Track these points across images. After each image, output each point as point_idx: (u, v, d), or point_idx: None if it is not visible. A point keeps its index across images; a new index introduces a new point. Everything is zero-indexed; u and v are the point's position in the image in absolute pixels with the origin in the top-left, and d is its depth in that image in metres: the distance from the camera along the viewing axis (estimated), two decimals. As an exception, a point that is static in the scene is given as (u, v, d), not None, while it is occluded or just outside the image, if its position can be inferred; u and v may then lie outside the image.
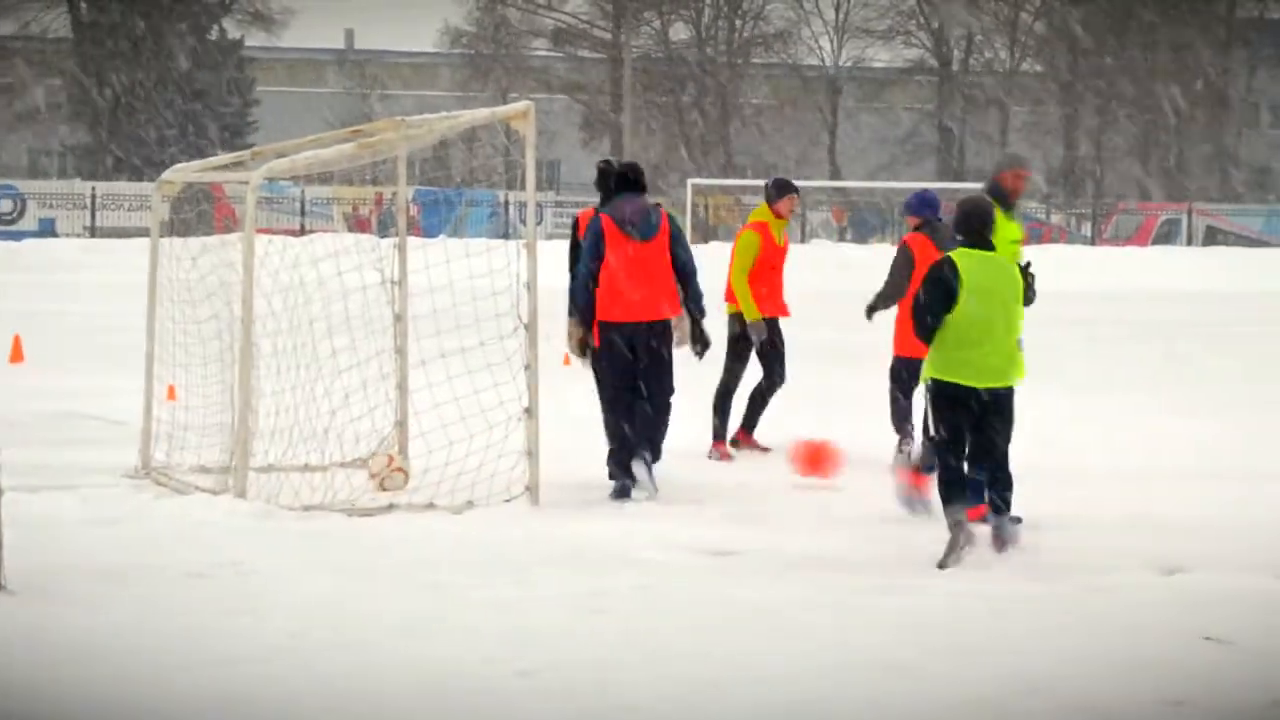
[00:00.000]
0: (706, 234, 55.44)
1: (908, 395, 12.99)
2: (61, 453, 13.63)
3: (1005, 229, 11.28)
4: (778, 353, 14.40)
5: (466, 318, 11.91)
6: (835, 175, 71.10)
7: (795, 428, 15.07)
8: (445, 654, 7.85)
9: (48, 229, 54.82)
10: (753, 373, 14.52)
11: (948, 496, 10.24)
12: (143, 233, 36.35)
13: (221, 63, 67.47)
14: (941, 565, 10.02)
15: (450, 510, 11.42)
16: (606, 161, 13.03)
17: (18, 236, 51.23)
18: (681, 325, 12.41)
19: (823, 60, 75.56)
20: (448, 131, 12.76)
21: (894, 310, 13.89)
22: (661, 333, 12.25)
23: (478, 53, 72.41)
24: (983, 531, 10.25)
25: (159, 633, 8.17)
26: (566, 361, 12.68)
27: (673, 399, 12.36)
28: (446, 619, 8.52)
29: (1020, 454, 10.72)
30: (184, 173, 14.22)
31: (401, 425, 12.96)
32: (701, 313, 12.41)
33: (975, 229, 10.40)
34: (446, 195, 60.81)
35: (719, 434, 14.37)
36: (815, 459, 12.89)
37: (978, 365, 10.29)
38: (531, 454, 11.66)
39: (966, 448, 10.36)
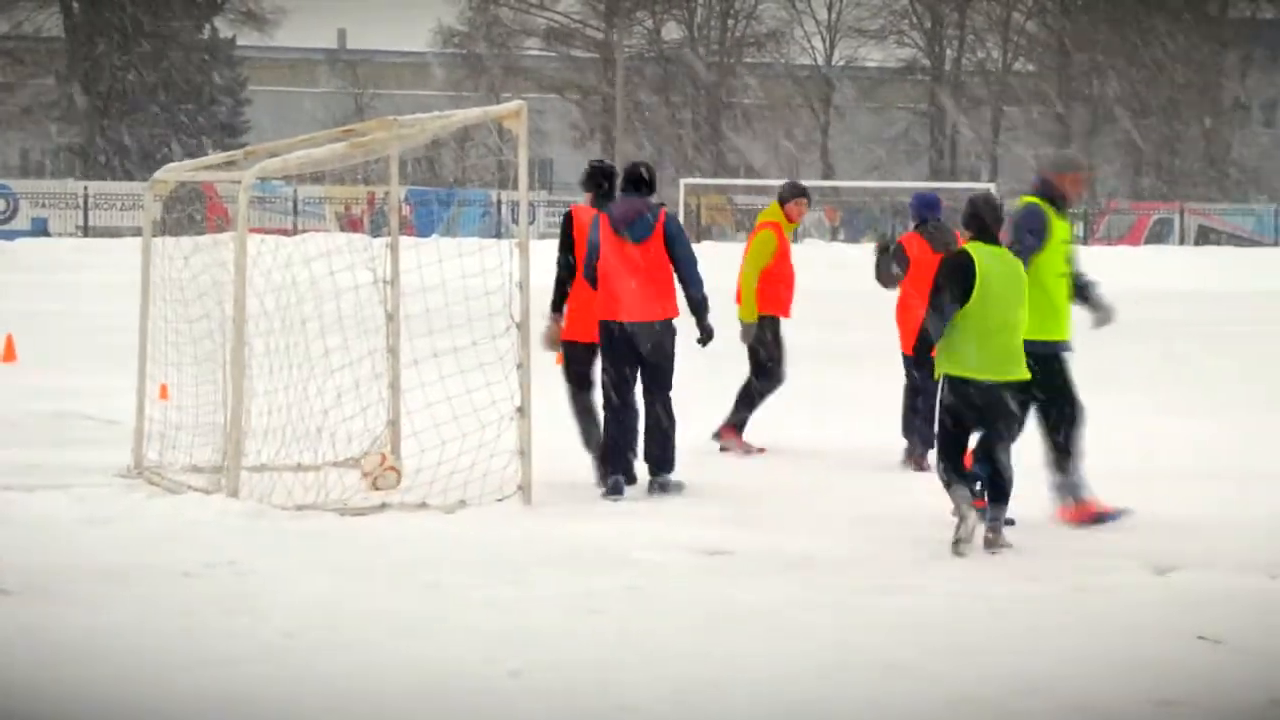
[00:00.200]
0: (699, 233, 55.54)
1: (926, 398, 12.91)
2: (56, 452, 13.62)
3: (1058, 229, 11.23)
4: (779, 353, 14.37)
5: (459, 317, 11.88)
6: (828, 175, 71.13)
7: (790, 428, 15.10)
8: (444, 654, 7.83)
9: (40, 228, 54.80)
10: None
11: (949, 481, 10.30)
12: (136, 232, 36.38)
13: (214, 62, 67.46)
14: (955, 546, 10.10)
15: (443, 509, 11.39)
16: (599, 161, 13.05)
17: (11, 236, 51.22)
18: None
19: (815, 60, 75.65)
20: (440, 131, 12.72)
21: (893, 311, 13.91)
22: (660, 333, 12.21)
23: (470, 52, 72.41)
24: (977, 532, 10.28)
25: (159, 633, 8.15)
26: (559, 361, 12.66)
27: (671, 394, 12.33)
28: (445, 619, 8.49)
29: (1019, 454, 10.72)
30: (176, 172, 14.18)
31: (394, 424, 12.94)
32: (703, 300, 12.33)
33: (985, 225, 10.48)
34: (439, 195, 60.84)
35: (741, 427, 14.31)
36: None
37: (988, 358, 10.34)
38: (524, 453, 11.64)
39: (971, 441, 10.44)
